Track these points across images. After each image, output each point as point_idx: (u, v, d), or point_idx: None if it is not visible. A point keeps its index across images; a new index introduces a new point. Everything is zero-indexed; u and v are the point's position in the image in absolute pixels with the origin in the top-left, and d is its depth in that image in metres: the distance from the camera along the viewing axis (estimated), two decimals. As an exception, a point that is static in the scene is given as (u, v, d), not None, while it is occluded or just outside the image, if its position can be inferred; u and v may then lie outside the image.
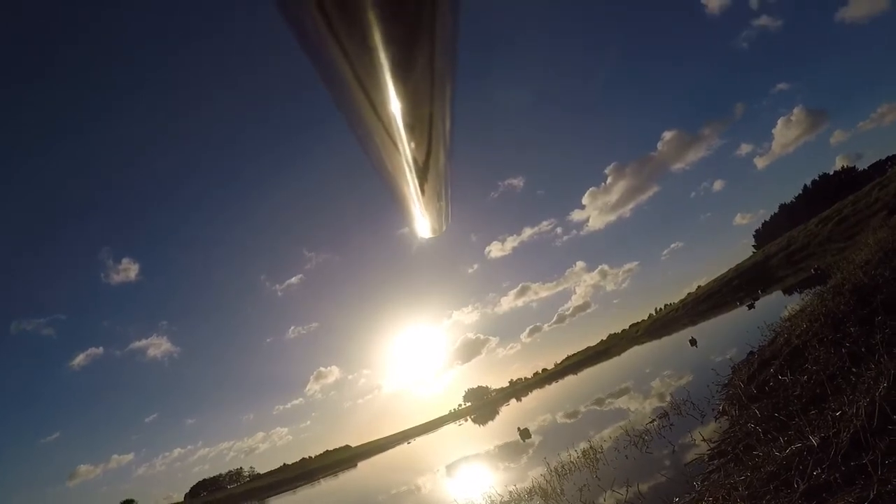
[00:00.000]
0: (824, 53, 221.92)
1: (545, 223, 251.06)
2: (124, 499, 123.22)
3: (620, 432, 8.68)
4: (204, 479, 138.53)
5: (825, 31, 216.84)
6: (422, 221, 0.65)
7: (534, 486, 7.41)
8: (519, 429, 15.66)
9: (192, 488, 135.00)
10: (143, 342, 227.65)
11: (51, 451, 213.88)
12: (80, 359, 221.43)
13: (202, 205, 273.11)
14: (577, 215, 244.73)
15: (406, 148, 0.44)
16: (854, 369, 4.46)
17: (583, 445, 8.63)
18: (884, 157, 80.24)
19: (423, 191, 0.53)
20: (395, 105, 0.38)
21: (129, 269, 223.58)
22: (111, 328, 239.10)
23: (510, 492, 7.72)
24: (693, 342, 18.95)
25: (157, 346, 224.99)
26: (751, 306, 22.87)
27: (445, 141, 0.46)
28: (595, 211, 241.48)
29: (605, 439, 8.81)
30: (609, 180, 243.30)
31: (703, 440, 6.06)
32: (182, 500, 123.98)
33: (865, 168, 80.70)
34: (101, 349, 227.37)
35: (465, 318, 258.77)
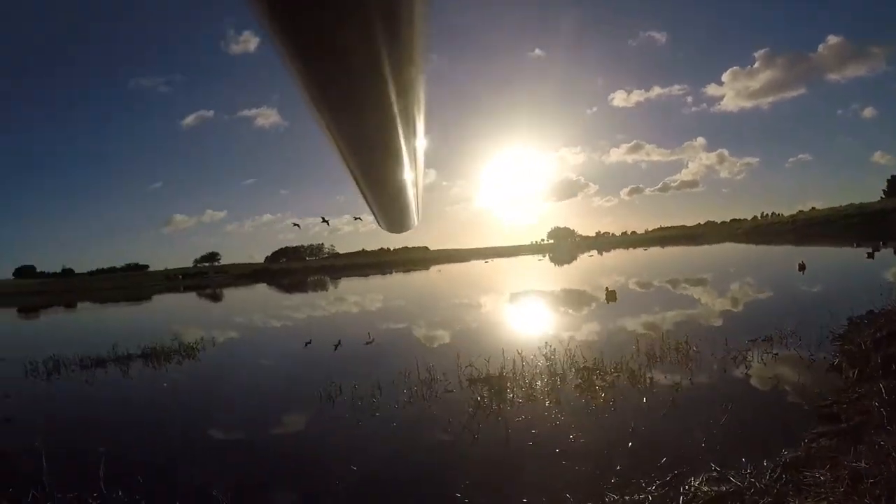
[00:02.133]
0: None
1: (677, 87, 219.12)
2: (210, 251, 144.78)
3: (716, 338, 7.94)
4: (286, 247, 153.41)
5: None
6: (391, 218, 0.65)
7: (614, 364, 7.15)
8: (607, 289, 15.27)
9: (273, 253, 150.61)
10: (253, 111, 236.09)
11: (154, 198, 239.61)
12: (190, 119, 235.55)
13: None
14: (712, 90, 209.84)
15: (377, 142, 0.40)
16: None
17: (674, 338, 7.99)
18: None
19: (396, 186, 0.50)
20: (365, 99, 0.33)
21: (249, 41, 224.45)
22: (224, 92, 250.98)
23: (574, 357, 7.55)
24: (802, 267, 17.10)
25: (266, 116, 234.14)
26: (870, 255, 19.96)
27: (416, 129, 0.39)
28: (732, 91, 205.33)
29: (699, 339, 8.04)
30: (756, 65, 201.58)
31: (811, 390, 5.31)
32: (262, 261, 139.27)
33: None
34: (211, 112, 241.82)
35: (571, 158, 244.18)
